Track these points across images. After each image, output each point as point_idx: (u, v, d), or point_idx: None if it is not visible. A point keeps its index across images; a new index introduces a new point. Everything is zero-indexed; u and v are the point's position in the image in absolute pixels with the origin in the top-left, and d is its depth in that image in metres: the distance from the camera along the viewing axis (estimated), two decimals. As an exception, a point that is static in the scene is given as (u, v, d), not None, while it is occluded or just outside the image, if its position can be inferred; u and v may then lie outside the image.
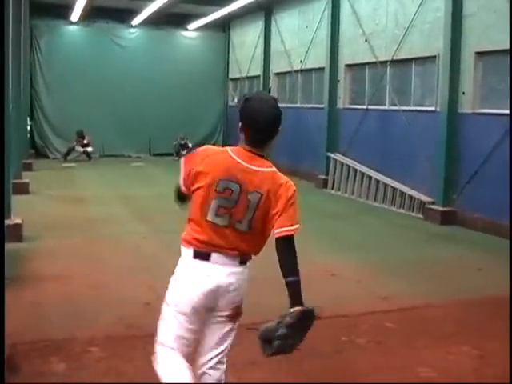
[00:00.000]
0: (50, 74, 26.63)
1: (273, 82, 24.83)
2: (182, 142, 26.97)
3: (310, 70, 21.61)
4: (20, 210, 11.33)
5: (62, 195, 15.91)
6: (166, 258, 9.91)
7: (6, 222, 9.98)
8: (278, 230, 3.73)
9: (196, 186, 3.83)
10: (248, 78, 27.32)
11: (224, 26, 29.08)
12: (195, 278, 3.86)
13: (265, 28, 24.96)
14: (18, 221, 10.69)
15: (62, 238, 11.07)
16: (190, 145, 27.04)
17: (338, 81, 19.38)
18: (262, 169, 3.83)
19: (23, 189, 15.10)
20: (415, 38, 15.56)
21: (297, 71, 22.44)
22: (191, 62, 28.34)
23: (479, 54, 13.42)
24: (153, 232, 12.01)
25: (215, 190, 3.76)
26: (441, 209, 14.05)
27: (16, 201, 11.53)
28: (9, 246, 8.86)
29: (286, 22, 23.31)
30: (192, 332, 3.95)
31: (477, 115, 13.53)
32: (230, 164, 3.81)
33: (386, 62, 16.78)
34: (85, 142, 25.55)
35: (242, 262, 3.91)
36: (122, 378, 5.52)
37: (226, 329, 4.08)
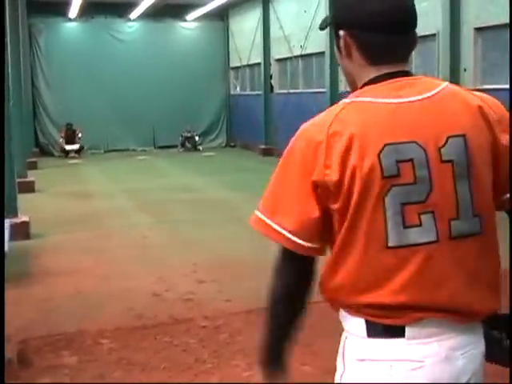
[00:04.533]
0: (50, 72, 26.66)
1: (274, 69, 24.79)
2: (189, 135, 27.09)
3: (310, 55, 21.58)
4: (27, 208, 11.38)
5: (68, 191, 15.94)
6: (173, 248, 10.02)
7: (14, 220, 10.05)
8: None
9: (340, 200, 1.91)
10: (249, 65, 27.28)
11: (222, 15, 29.01)
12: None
13: (263, 15, 24.90)
14: (25, 219, 10.73)
15: (69, 233, 11.10)
16: (196, 138, 27.16)
17: (339, 64, 19.27)
18: (435, 91, 1.99)
19: (29, 187, 15.12)
20: (414, 17, 15.48)
21: (297, 56, 22.40)
22: (191, 52, 28.30)
23: (478, 29, 13.38)
24: (159, 223, 12.03)
25: (382, 177, 1.87)
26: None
27: (22, 199, 11.59)
28: (17, 244, 8.96)
29: (284, 8, 23.26)
30: None
31: (479, 91, 13.43)
32: (385, 115, 1.93)
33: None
34: (76, 138, 25.66)
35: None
36: (134, 368, 5.54)
37: None
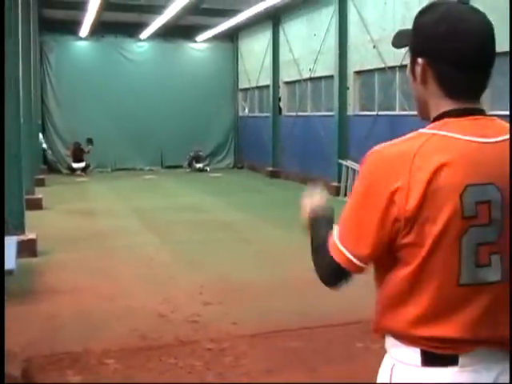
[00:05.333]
0: (60, 90, 26.80)
1: (282, 91, 24.87)
2: (197, 154, 27.25)
3: (319, 78, 21.63)
4: (34, 226, 11.37)
5: (76, 209, 15.97)
6: (179, 269, 10.00)
7: (21, 237, 10.03)
8: None
9: (416, 235, 1.93)
10: (258, 87, 27.37)
11: (232, 37, 29.16)
12: None
13: (273, 37, 25.01)
14: (32, 236, 10.72)
15: (76, 252, 11.10)
16: (203, 155, 27.32)
17: (348, 88, 19.39)
18: (504, 137, 2.01)
19: (36, 204, 15.14)
20: (423, 43, 15.55)
21: (306, 79, 22.46)
22: (201, 73, 28.40)
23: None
24: (165, 243, 12.02)
25: (462, 217, 1.91)
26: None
27: (29, 216, 11.58)
28: (23, 261, 8.96)
29: (294, 31, 23.36)
30: None
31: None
32: (469, 153, 1.94)
33: (394, 67, 16.77)
34: (83, 156, 25.76)
35: None
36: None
37: None
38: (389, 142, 2.05)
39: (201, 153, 27.47)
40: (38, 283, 8.99)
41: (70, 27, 25.44)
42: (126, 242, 12.05)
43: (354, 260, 2.01)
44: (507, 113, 12.79)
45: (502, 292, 1.99)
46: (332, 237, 2.08)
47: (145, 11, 23.37)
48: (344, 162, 19.03)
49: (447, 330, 1.96)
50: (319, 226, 2.32)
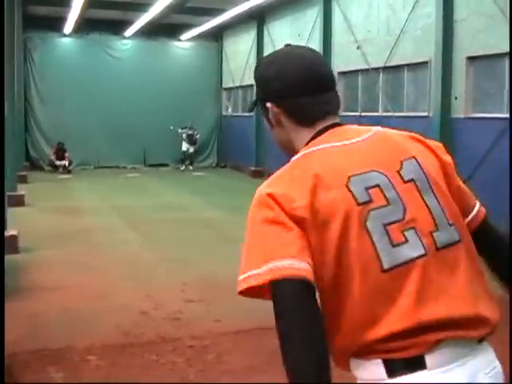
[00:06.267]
0: (43, 87, 26.70)
1: (266, 91, 24.87)
2: (190, 132, 27.21)
3: (303, 78, 21.65)
4: (16, 222, 11.35)
5: (58, 207, 15.93)
6: (162, 267, 10.01)
7: (2, 233, 10.01)
8: (477, 209, 2.26)
9: (316, 236, 1.89)
10: (242, 87, 27.37)
11: (217, 36, 29.16)
12: None
13: (257, 37, 25.04)
14: (14, 232, 10.70)
15: (59, 249, 11.09)
16: (197, 137, 27.26)
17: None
18: (372, 132, 2.15)
19: (19, 201, 15.09)
20: (407, 44, 15.64)
21: (290, 79, 22.47)
22: (185, 72, 28.41)
23: (470, 58, 13.51)
24: (149, 241, 12.03)
25: (357, 204, 1.91)
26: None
27: (12, 213, 11.54)
28: (5, 258, 8.91)
29: (279, 31, 23.40)
30: None
31: (469, 120, 13.60)
32: (340, 156, 2.03)
33: (378, 68, 16.86)
34: (66, 154, 25.69)
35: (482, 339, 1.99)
36: (121, 385, 5.55)
37: None
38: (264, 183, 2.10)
39: (195, 133, 27.43)
40: (20, 280, 8.97)
41: (54, 24, 25.34)
42: (109, 240, 12.05)
43: (292, 263, 1.82)
44: (493, 115, 12.93)
45: (432, 265, 1.91)
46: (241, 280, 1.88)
47: (129, 9, 23.33)
48: (327, 162, 19.08)
49: (389, 324, 1.85)
50: None
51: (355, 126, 2.18)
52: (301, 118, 2.12)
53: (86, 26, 25.47)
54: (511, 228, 11.71)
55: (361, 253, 1.87)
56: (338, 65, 19.05)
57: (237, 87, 27.90)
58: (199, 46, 29.18)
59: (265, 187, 2.04)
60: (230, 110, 29.45)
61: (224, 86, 29.65)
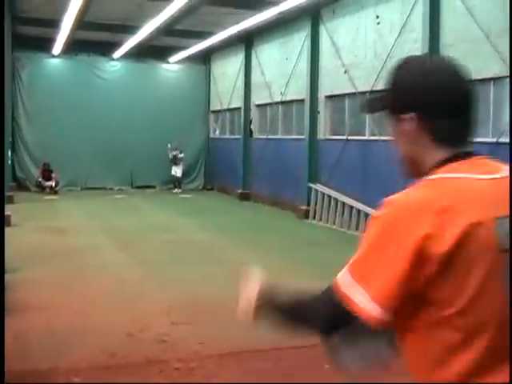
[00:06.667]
0: (31, 107, 26.69)
1: (254, 114, 25.00)
2: (174, 153, 27.23)
3: (290, 102, 21.78)
4: (2, 242, 11.31)
5: (44, 227, 15.88)
6: (148, 288, 9.99)
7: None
8: None
9: (449, 282, 1.85)
10: (229, 109, 27.48)
11: (205, 59, 29.28)
12: None
13: (245, 60, 25.16)
14: (0, 253, 10.66)
15: (45, 269, 11.05)
16: (181, 156, 27.25)
17: (318, 112, 19.56)
18: (507, 171, 2.04)
19: (5, 221, 15.01)
20: (394, 69, 15.74)
21: (277, 103, 22.60)
22: (173, 94, 28.48)
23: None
24: (135, 263, 12.01)
25: (500, 251, 1.88)
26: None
27: (-2, 233, 11.50)
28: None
29: (267, 54, 23.53)
30: None
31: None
32: (485, 190, 1.94)
33: (365, 92, 16.96)
34: (52, 175, 25.69)
35: None
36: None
37: None
38: (400, 193, 1.95)
39: (179, 152, 27.41)
40: (6, 300, 8.92)
41: (43, 45, 25.38)
42: (96, 261, 12.02)
43: (375, 308, 1.85)
44: (479, 140, 12.99)
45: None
46: (340, 286, 1.94)
47: (118, 31, 23.39)
48: (314, 186, 19.16)
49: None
50: (277, 301, 2.23)
51: (489, 159, 2.05)
52: (442, 138, 2.00)
53: (75, 47, 25.51)
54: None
55: (492, 302, 1.87)
56: (326, 88, 19.17)
57: (224, 110, 28.01)
58: (187, 69, 29.28)
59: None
60: (217, 132, 29.53)
61: (212, 108, 29.75)
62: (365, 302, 1.85)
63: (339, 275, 1.96)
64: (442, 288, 1.84)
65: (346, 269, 1.95)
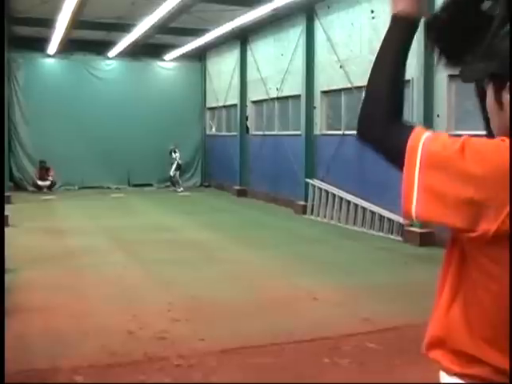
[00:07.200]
0: (27, 107, 26.66)
1: (250, 110, 25.00)
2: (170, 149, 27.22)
3: (286, 98, 21.78)
4: (0, 243, 11.31)
5: (42, 227, 15.89)
6: (148, 287, 10.01)
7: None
8: None
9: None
10: (225, 106, 27.48)
11: (200, 56, 29.28)
12: None
13: (241, 57, 25.16)
14: (-1, 253, 10.66)
15: (44, 270, 11.05)
16: (177, 154, 27.11)
17: (315, 107, 19.56)
18: None
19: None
20: (389, 64, 15.74)
21: (273, 99, 22.61)
22: (168, 92, 28.49)
23: (452, 76, 13.64)
24: (134, 262, 12.02)
25: None
26: (419, 231, 14.16)
27: (-4, 234, 11.50)
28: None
29: (262, 51, 23.53)
30: None
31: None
32: None
33: (361, 87, 16.95)
34: (49, 175, 25.70)
35: None
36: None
37: None
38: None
39: (175, 150, 27.32)
40: (5, 301, 8.93)
41: (38, 44, 25.36)
42: (95, 260, 12.03)
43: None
44: (472, 133, 13.00)
45: None
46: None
47: (113, 29, 23.36)
48: (311, 181, 19.18)
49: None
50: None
51: None
52: None
53: (70, 46, 25.47)
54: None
55: None
56: (321, 84, 19.18)
57: (220, 107, 28.01)
58: (183, 66, 29.28)
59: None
60: (213, 129, 29.54)
61: (208, 105, 29.74)
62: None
63: (424, 136, 1.89)
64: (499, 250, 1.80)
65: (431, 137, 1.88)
